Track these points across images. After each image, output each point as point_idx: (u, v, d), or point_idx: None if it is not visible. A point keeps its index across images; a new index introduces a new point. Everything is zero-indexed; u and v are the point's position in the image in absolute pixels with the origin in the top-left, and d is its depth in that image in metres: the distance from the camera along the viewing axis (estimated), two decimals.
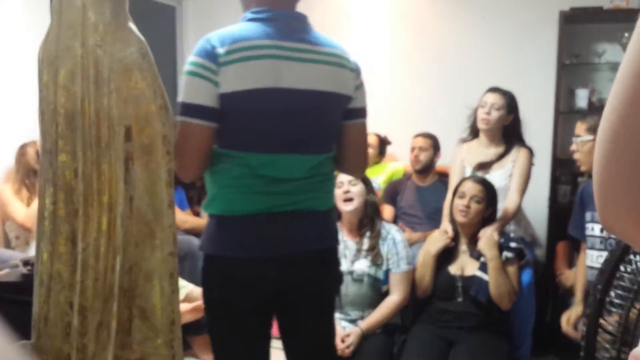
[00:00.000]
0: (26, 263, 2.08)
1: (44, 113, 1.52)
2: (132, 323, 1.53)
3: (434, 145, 3.69)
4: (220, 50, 1.56)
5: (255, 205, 1.65)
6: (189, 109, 1.59)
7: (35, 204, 2.83)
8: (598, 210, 0.74)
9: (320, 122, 1.71)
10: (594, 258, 2.65)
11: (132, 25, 1.50)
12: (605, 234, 2.57)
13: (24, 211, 2.85)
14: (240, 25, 1.66)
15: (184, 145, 1.59)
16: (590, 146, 2.40)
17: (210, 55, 1.56)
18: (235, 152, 1.63)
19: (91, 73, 1.48)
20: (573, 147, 2.51)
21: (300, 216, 1.69)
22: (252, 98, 1.58)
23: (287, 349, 1.88)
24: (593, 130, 2.42)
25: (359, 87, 1.79)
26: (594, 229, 2.53)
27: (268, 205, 1.65)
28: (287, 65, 1.60)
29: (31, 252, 2.75)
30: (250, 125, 1.62)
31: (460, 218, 2.72)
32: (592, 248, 2.66)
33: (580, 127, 2.48)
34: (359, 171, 1.99)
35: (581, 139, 2.44)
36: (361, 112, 1.81)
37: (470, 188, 2.73)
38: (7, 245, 2.87)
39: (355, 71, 1.77)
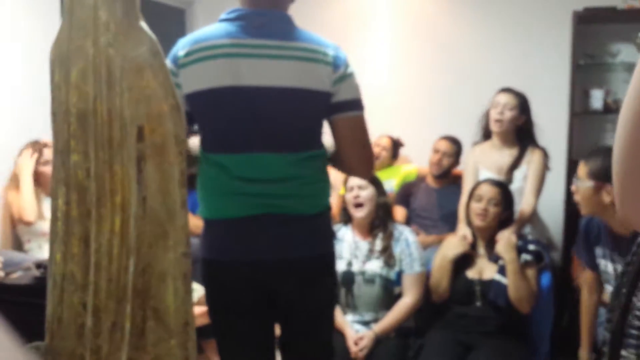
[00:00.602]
0: (39, 266, 2.08)
1: (56, 113, 1.52)
2: (146, 324, 1.52)
3: (458, 152, 3.62)
4: (181, 53, 1.65)
5: (234, 208, 1.68)
6: None
7: (30, 198, 2.84)
8: (617, 201, 0.73)
9: (292, 119, 1.66)
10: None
11: (143, 25, 1.49)
12: (619, 269, 2.46)
13: (19, 204, 2.84)
14: (208, 27, 1.71)
15: None
16: (591, 192, 2.32)
17: (172, 58, 1.66)
18: (209, 153, 1.69)
19: (103, 72, 1.48)
20: (573, 187, 2.46)
21: (283, 220, 1.67)
22: (211, 98, 1.63)
23: (282, 355, 1.88)
24: (594, 175, 2.33)
25: (341, 80, 1.68)
26: (607, 266, 2.44)
27: (247, 207, 1.66)
28: (248, 63, 1.62)
29: (43, 255, 2.75)
30: (215, 125, 1.66)
31: (478, 222, 2.69)
32: (607, 283, 2.55)
33: (582, 169, 2.41)
34: (358, 171, 1.85)
35: (582, 183, 2.38)
36: (347, 105, 1.70)
37: (487, 191, 2.71)
38: (20, 248, 2.88)
39: (333, 64, 1.66)
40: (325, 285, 1.79)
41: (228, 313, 1.77)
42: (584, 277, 2.56)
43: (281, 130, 1.65)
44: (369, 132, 1.75)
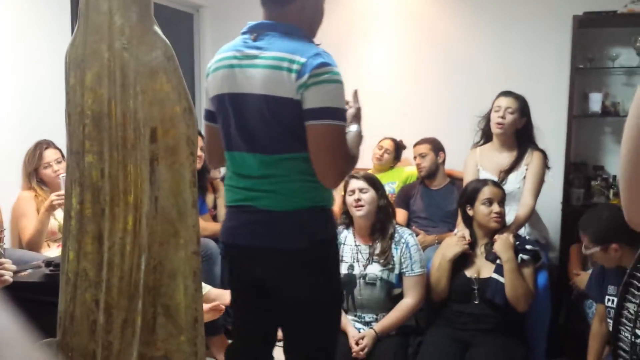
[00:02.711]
0: (49, 264, 2.11)
1: (71, 115, 1.56)
2: (157, 320, 1.56)
3: (434, 148, 3.71)
4: (210, 64, 1.91)
5: (229, 198, 1.92)
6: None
7: (36, 227, 2.86)
8: (624, 205, 0.78)
9: (265, 123, 1.76)
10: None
11: (157, 29, 1.53)
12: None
13: (29, 233, 2.87)
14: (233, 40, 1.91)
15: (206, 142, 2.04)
16: (601, 253, 2.47)
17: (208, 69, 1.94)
18: (224, 150, 1.91)
19: (117, 76, 1.51)
20: (585, 252, 2.60)
21: (256, 212, 1.82)
22: (217, 103, 1.87)
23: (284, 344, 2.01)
24: (597, 241, 2.48)
25: (305, 87, 1.69)
26: (613, 302, 2.55)
27: (235, 198, 1.88)
28: (240, 72, 1.79)
29: (52, 253, 2.79)
30: (222, 126, 1.88)
31: (494, 224, 2.74)
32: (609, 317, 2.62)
33: (585, 239, 2.55)
34: (322, 179, 1.78)
35: (590, 250, 2.52)
36: (310, 113, 1.71)
37: (495, 193, 2.77)
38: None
39: (298, 72, 1.69)
40: (303, 282, 1.85)
41: (232, 285, 2.09)
42: (598, 310, 2.68)
43: (259, 132, 1.79)
44: (338, 142, 1.74)
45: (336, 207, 3.71)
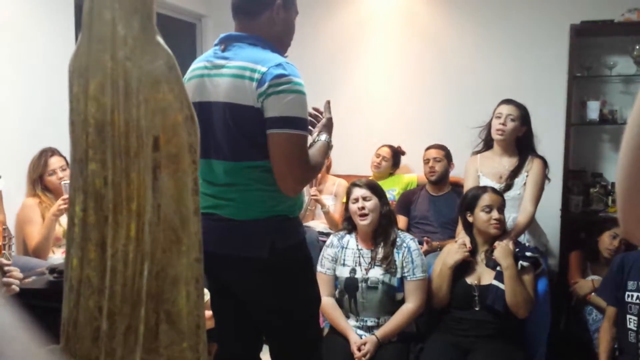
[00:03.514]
0: (52, 270, 2.12)
1: (75, 123, 1.57)
2: (159, 327, 1.57)
3: (447, 155, 3.74)
4: (186, 74, 1.95)
5: (202, 203, 1.91)
6: None
7: (42, 233, 2.87)
8: (620, 216, 0.78)
9: (229, 131, 1.81)
10: (635, 322, 2.64)
11: (159, 39, 1.55)
12: None
13: (36, 240, 2.89)
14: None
15: None
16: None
17: None
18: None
19: (120, 85, 1.53)
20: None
21: (220, 220, 1.85)
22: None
23: None
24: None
25: (265, 96, 1.74)
26: (638, 298, 2.59)
27: (203, 205, 1.87)
28: (209, 81, 1.85)
29: (55, 260, 2.80)
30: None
31: (493, 231, 2.76)
32: (630, 313, 2.64)
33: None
34: (281, 185, 1.81)
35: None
36: (271, 122, 1.76)
37: (495, 200, 2.79)
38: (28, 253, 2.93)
39: (259, 81, 1.74)
40: (267, 289, 1.90)
41: (210, 293, 2.15)
42: (607, 312, 2.74)
43: (221, 140, 1.83)
44: (297, 150, 1.77)
45: (337, 215, 3.74)
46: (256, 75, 1.75)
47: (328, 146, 2.01)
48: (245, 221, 1.83)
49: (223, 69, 1.83)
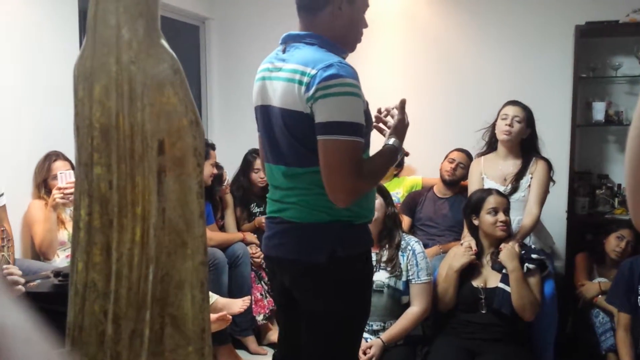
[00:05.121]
0: (57, 274, 2.13)
1: (80, 127, 1.57)
2: (164, 331, 1.57)
3: (469, 165, 3.68)
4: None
5: (267, 209, 1.94)
6: None
7: (44, 227, 2.88)
8: (631, 211, 0.79)
9: (285, 136, 1.76)
10: None
11: (164, 43, 1.55)
12: None
13: (40, 236, 2.90)
14: None
15: None
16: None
17: None
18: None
19: (125, 89, 1.53)
20: None
21: (283, 223, 1.83)
22: (255, 113, 1.90)
23: None
24: None
25: (313, 100, 1.66)
26: None
27: (270, 209, 1.92)
28: (269, 84, 1.80)
29: (61, 263, 2.80)
30: (261, 137, 1.91)
31: (500, 233, 2.76)
32: None
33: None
34: (330, 195, 1.70)
35: None
36: (320, 128, 1.67)
37: (500, 202, 2.78)
38: (38, 257, 2.94)
39: (307, 85, 1.66)
40: (318, 296, 1.81)
41: (273, 296, 2.26)
42: (620, 319, 2.73)
43: (282, 145, 1.79)
44: (347, 158, 1.66)
45: None
46: (305, 79, 1.66)
47: (397, 152, 1.86)
48: (307, 224, 1.76)
49: (280, 72, 1.76)
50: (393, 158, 1.86)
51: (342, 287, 1.79)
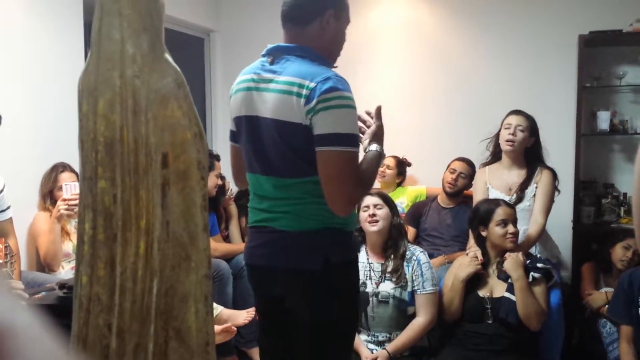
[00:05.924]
0: (62, 286, 2.13)
1: (84, 141, 1.58)
2: (169, 345, 1.57)
3: (472, 174, 3.68)
4: (232, 85, 1.94)
5: (251, 219, 1.93)
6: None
7: (50, 238, 2.89)
8: (636, 227, 0.79)
9: (277, 147, 1.78)
10: None
11: (168, 57, 1.56)
12: None
13: (45, 247, 2.91)
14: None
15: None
16: None
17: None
18: (246, 172, 1.95)
19: (129, 103, 1.54)
20: None
21: (274, 232, 1.83)
22: (236, 124, 1.92)
23: None
24: None
25: (314, 112, 1.69)
26: None
27: (255, 219, 1.91)
28: (257, 95, 1.81)
29: (65, 275, 2.81)
30: (243, 147, 1.92)
31: (510, 245, 2.74)
32: None
33: None
34: (331, 204, 1.74)
35: None
36: (320, 140, 1.70)
37: (509, 214, 2.77)
38: (43, 269, 2.94)
39: (307, 97, 1.69)
40: (314, 303, 1.83)
41: (256, 306, 2.16)
42: (623, 332, 2.70)
43: (269, 157, 1.81)
44: (347, 169, 1.71)
45: None
46: (304, 92, 1.69)
47: (381, 157, 1.92)
48: (300, 232, 1.78)
49: (271, 84, 1.77)
50: (380, 163, 1.93)
51: (337, 293, 1.84)
